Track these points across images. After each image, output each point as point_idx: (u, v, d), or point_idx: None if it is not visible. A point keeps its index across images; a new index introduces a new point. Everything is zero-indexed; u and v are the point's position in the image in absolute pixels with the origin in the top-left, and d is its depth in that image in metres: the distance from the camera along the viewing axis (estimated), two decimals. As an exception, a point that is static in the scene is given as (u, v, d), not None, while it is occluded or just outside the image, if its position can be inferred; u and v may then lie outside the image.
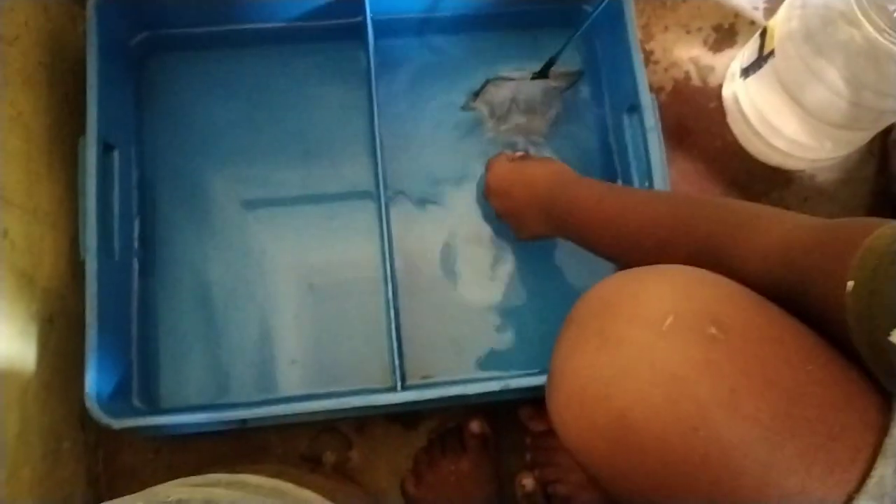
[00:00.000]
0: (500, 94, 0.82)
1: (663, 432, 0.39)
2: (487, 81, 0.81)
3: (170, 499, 0.45)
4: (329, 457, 0.82)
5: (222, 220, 0.81)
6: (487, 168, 0.78)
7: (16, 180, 0.66)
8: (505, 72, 0.82)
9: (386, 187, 0.76)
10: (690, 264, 0.47)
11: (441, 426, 0.82)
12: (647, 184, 0.74)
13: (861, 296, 0.37)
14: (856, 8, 0.68)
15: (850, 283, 0.38)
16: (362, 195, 0.82)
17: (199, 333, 0.78)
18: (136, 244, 0.78)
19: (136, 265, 0.78)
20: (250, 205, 0.82)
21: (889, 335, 0.35)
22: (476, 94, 0.82)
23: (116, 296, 0.73)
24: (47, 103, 0.72)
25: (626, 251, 0.59)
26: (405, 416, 0.83)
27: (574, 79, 0.83)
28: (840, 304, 0.38)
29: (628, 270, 0.48)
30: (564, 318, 0.48)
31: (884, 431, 0.38)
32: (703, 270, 0.46)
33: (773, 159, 0.89)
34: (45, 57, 0.73)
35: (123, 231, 0.76)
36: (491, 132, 0.82)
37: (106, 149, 0.72)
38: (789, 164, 0.89)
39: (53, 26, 0.75)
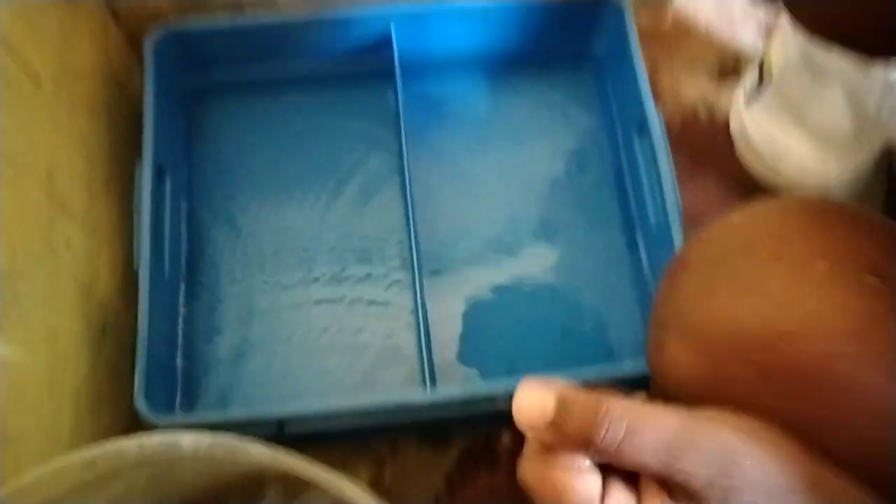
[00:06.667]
0: None
1: (813, 390, 0.34)
2: None
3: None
4: (361, 473, 0.84)
5: (261, 271, 0.86)
6: None
7: (78, 197, 0.73)
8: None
9: (420, 266, 0.80)
10: None
11: (472, 443, 0.84)
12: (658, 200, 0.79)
13: None
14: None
15: None
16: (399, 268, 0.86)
17: (241, 356, 0.82)
18: (183, 269, 0.84)
19: (182, 288, 0.83)
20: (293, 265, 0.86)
21: None
22: None
23: (164, 311, 0.79)
24: (107, 132, 0.80)
25: None
26: (435, 435, 0.85)
27: None
28: None
29: (757, 204, 0.43)
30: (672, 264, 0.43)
31: None
32: (852, 205, 0.41)
33: (782, 186, 0.93)
34: (106, 93, 0.81)
35: (172, 253, 0.81)
36: None
37: (159, 174, 0.79)
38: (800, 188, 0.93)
39: (112, 69, 0.84)
